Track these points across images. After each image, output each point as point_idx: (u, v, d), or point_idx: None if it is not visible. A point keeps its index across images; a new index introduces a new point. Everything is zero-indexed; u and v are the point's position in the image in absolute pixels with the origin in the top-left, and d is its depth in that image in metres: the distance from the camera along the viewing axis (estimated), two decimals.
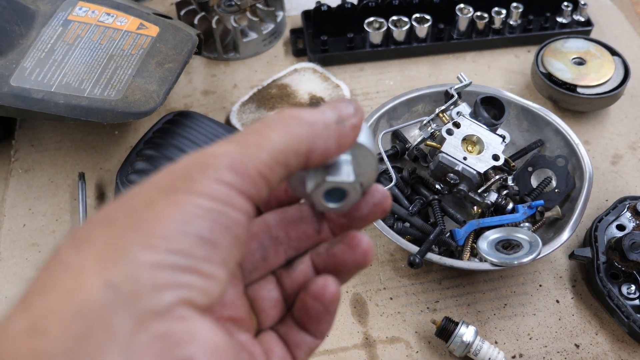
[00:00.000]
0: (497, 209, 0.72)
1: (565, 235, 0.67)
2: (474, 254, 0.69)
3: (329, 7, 0.97)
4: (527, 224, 0.72)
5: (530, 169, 0.76)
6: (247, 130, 0.32)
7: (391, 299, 0.70)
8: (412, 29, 0.96)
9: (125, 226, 0.26)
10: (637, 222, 0.72)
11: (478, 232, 0.70)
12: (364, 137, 0.36)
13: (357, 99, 0.91)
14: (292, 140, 0.31)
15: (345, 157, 0.35)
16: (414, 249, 0.66)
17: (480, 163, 0.69)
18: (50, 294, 0.25)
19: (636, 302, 0.66)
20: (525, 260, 0.64)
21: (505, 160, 0.72)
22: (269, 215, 0.39)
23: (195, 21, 0.94)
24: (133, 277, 0.25)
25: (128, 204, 0.28)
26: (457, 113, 0.75)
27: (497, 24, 0.97)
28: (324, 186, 0.34)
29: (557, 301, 0.70)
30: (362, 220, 0.39)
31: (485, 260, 0.65)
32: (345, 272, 0.37)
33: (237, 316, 0.36)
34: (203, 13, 0.96)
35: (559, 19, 0.99)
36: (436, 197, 0.72)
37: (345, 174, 0.34)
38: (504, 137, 0.73)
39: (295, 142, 0.31)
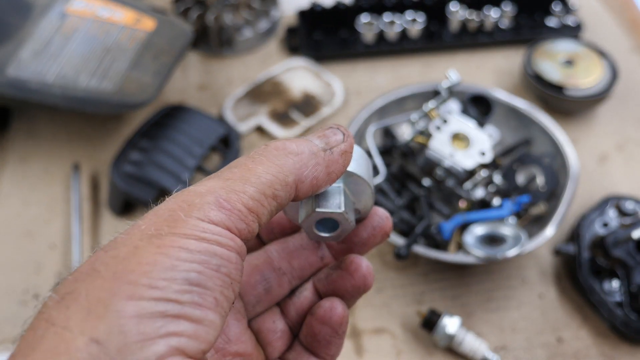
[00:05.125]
0: (484, 204, 0.74)
1: (549, 231, 0.69)
2: (460, 247, 0.71)
3: (322, 7, 0.99)
4: (512, 220, 0.73)
5: (516, 166, 0.77)
6: (232, 165, 0.31)
7: (378, 290, 0.72)
8: (404, 29, 0.98)
9: (110, 277, 0.26)
10: (621, 220, 0.74)
11: (464, 227, 0.72)
12: (356, 165, 0.35)
13: (350, 97, 0.93)
14: (278, 172, 0.30)
15: (337, 186, 0.35)
16: (401, 242, 0.67)
17: (467, 159, 0.71)
18: (35, 354, 0.24)
19: (617, 297, 0.68)
20: (509, 254, 0.65)
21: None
22: (271, 246, 0.39)
23: (192, 17, 0.96)
24: (119, 331, 0.24)
25: (113, 253, 0.27)
26: (446, 110, 0.76)
27: (488, 25, 0.99)
28: (313, 217, 0.34)
29: (541, 296, 0.72)
30: (363, 244, 0.38)
31: (471, 254, 0.67)
32: (346, 297, 0.37)
33: (243, 351, 0.36)
34: (200, 10, 0.97)
35: (549, 21, 1.01)
36: (423, 191, 0.74)
37: (336, 205, 0.34)
38: (491, 135, 0.74)
39: (282, 173, 0.30)
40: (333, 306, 0.35)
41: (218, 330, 0.27)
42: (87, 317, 0.24)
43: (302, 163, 0.31)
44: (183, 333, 0.25)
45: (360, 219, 0.38)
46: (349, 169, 0.34)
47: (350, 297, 0.37)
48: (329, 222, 0.35)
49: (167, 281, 0.26)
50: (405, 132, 0.82)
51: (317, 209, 0.34)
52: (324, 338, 0.36)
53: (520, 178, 0.77)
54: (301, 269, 0.39)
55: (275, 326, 0.37)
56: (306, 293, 0.38)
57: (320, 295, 0.38)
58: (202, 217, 0.28)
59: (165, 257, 0.26)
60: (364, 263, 0.36)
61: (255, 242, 0.40)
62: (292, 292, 0.39)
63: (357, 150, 0.36)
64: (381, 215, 0.38)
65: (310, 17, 0.99)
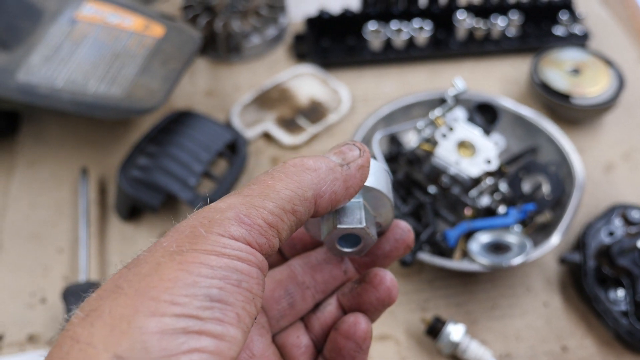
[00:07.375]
0: (489, 212, 0.74)
1: (554, 239, 0.69)
2: (465, 255, 0.71)
3: (330, 14, 0.99)
4: (517, 228, 0.73)
5: (522, 174, 0.78)
6: (251, 182, 0.32)
7: None
8: (411, 37, 0.98)
9: (133, 294, 0.26)
10: (627, 229, 0.73)
11: (469, 234, 0.72)
12: (374, 179, 0.35)
13: (356, 104, 0.93)
14: (296, 187, 0.31)
15: (356, 201, 0.35)
16: None
17: (472, 167, 0.71)
18: None
19: (622, 307, 0.68)
20: (514, 262, 0.65)
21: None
22: (294, 261, 0.39)
23: (201, 24, 0.97)
24: (142, 348, 0.24)
25: (136, 270, 0.27)
26: (452, 118, 0.76)
27: (495, 33, 0.99)
28: (335, 233, 0.34)
29: (546, 304, 0.72)
30: (386, 257, 0.38)
31: (476, 262, 0.67)
32: (371, 310, 0.37)
33: None
34: (208, 16, 0.98)
35: (556, 30, 1.01)
36: (429, 199, 0.74)
37: (357, 220, 0.34)
38: (497, 143, 0.75)
39: (300, 189, 0.31)
40: (357, 321, 0.36)
41: (240, 345, 0.27)
42: (111, 334, 0.25)
43: (320, 178, 0.32)
44: (205, 349, 0.25)
45: (382, 232, 0.38)
46: (367, 183, 0.35)
47: (374, 310, 0.37)
48: (351, 238, 0.35)
49: (188, 297, 0.26)
50: (411, 140, 0.82)
51: (339, 226, 0.34)
52: (348, 353, 0.36)
53: (526, 186, 0.77)
54: (325, 283, 0.39)
55: (300, 341, 0.38)
56: (330, 308, 0.38)
57: (344, 310, 0.38)
58: (223, 232, 0.28)
59: (187, 273, 0.26)
60: (388, 276, 0.36)
61: (278, 258, 0.40)
62: (316, 306, 0.39)
63: (374, 165, 0.36)
64: (403, 228, 0.38)
65: (317, 24, 1.00)
